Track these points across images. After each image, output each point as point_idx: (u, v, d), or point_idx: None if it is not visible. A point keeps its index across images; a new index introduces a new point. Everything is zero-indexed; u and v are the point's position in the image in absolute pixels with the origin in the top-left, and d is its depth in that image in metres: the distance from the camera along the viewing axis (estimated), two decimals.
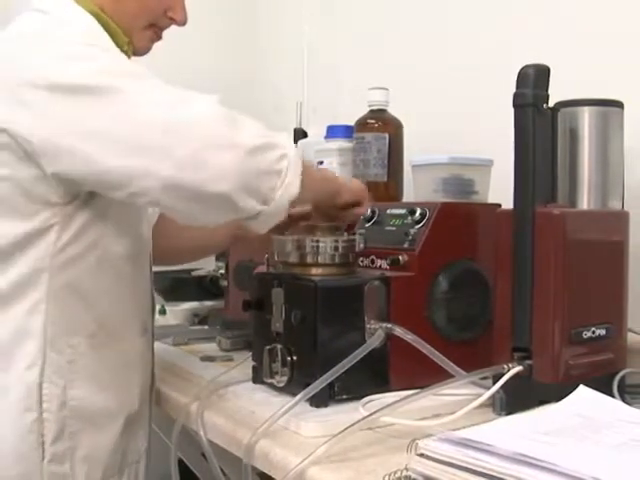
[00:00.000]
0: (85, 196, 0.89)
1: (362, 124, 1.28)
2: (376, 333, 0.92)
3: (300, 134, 1.61)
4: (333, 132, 1.36)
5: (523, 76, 0.87)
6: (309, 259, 0.96)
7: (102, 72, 0.82)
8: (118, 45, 0.96)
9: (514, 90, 0.88)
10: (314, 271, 0.96)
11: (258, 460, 0.80)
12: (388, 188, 1.27)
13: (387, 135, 1.26)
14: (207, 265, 1.53)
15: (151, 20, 1.01)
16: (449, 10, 1.47)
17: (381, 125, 1.27)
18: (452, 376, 0.85)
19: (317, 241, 0.96)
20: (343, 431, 0.74)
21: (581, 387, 0.80)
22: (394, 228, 1.05)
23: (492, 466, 0.60)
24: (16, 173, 0.85)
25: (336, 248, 0.96)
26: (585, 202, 0.98)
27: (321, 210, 1.01)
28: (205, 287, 1.54)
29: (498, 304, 0.91)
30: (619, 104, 1.00)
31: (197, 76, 1.94)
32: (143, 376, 1.02)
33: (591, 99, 0.99)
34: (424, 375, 0.85)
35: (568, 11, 1.23)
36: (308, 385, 0.84)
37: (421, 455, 0.65)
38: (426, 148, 1.32)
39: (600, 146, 0.98)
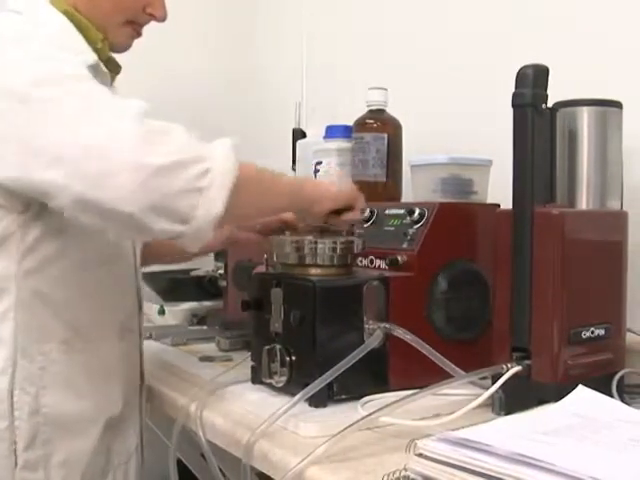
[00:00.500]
0: (39, 205, 0.86)
1: (361, 124, 1.28)
2: (375, 333, 0.92)
3: (299, 134, 1.61)
4: (332, 132, 1.36)
5: (522, 76, 0.87)
6: (308, 260, 0.96)
7: (36, 81, 0.80)
8: (91, 42, 0.96)
9: (513, 90, 0.88)
10: (313, 271, 0.96)
11: (257, 460, 0.80)
12: (387, 188, 1.27)
13: (386, 135, 1.26)
14: (206, 265, 1.53)
15: (129, 17, 1.01)
16: (448, 10, 1.47)
17: (380, 125, 1.27)
18: (451, 376, 0.85)
19: (315, 242, 0.95)
20: (342, 431, 0.74)
21: (580, 387, 0.80)
22: (393, 228, 1.05)
23: (491, 466, 0.60)
24: None
25: (334, 250, 0.96)
26: (584, 202, 0.98)
27: (304, 219, 1.00)
28: (204, 287, 1.54)
29: (497, 304, 0.91)
30: (618, 104, 1.00)
31: (197, 76, 1.95)
32: (127, 377, 1.02)
33: (590, 99, 0.98)
34: (423, 375, 0.85)
35: (567, 11, 1.23)
36: (307, 385, 0.84)
37: (420, 455, 0.65)
38: (425, 148, 1.32)
39: (599, 146, 0.98)
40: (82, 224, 0.79)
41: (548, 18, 1.26)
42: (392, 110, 1.28)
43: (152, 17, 1.03)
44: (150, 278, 1.44)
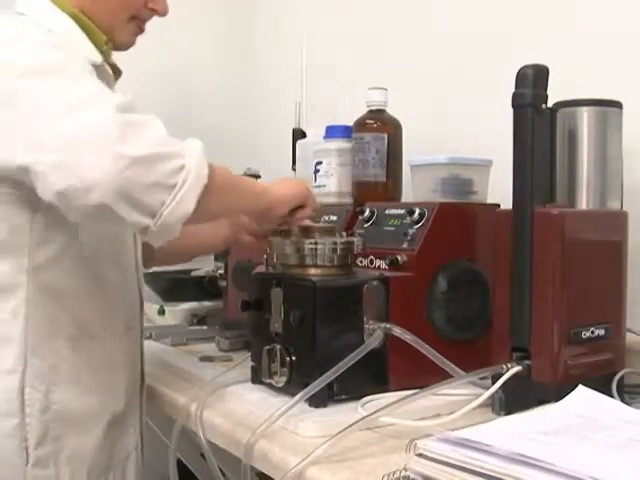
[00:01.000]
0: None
1: (361, 124, 1.28)
2: (375, 333, 0.92)
3: (299, 134, 1.61)
4: (332, 132, 1.36)
5: (522, 76, 0.87)
6: (308, 261, 0.96)
7: (22, 73, 0.82)
8: (97, 44, 0.98)
9: (513, 90, 0.88)
10: (313, 272, 0.96)
11: (257, 460, 0.80)
12: (387, 188, 1.27)
13: (386, 135, 1.26)
14: (206, 265, 1.53)
15: (132, 13, 1.02)
16: (448, 10, 1.47)
17: (380, 125, 1.27)
18: (451, 376, 0.85)
19: (315, 243, 0.96)
20: (342, 431, 0.74)
21: (580, 387, 0.80)
22: (393, 228, 1.05)
23: (491, 466, 0.60)
24: None
25: (334, 250, 0.96)
26: (584, 202, 0.98)
27: (262, 223, 1.03)
28: (204, 287, 1.55)
29: (497, 304, 0.91)
30: (618, 104, 1.00)
31: (196, 76, 1.95)
32: (129, 375, 1.02)
33: (590, 99, 0.99)
34: (423, 375, 0.85)
35: (567, 11, 1.23)
36: (307, 385, 0.84)
37: (420, 455, 0.65)
38: (425, 148, 1.32)
39: (599, 146, 0.98)
40: (67, 215, 0.80)
41: (548, 18, 1.26)
42: (392, 110, 1.28)
43: (154, 12, 1.04)
44: (150, 278, 1.44)
